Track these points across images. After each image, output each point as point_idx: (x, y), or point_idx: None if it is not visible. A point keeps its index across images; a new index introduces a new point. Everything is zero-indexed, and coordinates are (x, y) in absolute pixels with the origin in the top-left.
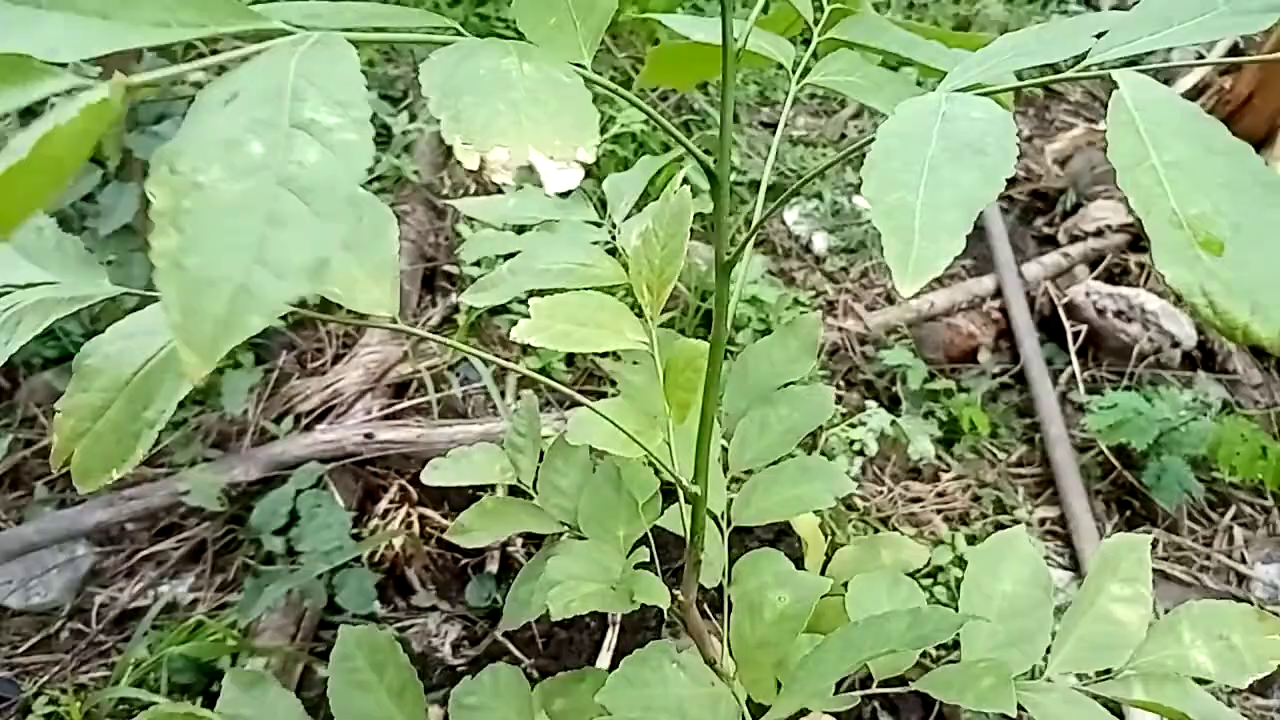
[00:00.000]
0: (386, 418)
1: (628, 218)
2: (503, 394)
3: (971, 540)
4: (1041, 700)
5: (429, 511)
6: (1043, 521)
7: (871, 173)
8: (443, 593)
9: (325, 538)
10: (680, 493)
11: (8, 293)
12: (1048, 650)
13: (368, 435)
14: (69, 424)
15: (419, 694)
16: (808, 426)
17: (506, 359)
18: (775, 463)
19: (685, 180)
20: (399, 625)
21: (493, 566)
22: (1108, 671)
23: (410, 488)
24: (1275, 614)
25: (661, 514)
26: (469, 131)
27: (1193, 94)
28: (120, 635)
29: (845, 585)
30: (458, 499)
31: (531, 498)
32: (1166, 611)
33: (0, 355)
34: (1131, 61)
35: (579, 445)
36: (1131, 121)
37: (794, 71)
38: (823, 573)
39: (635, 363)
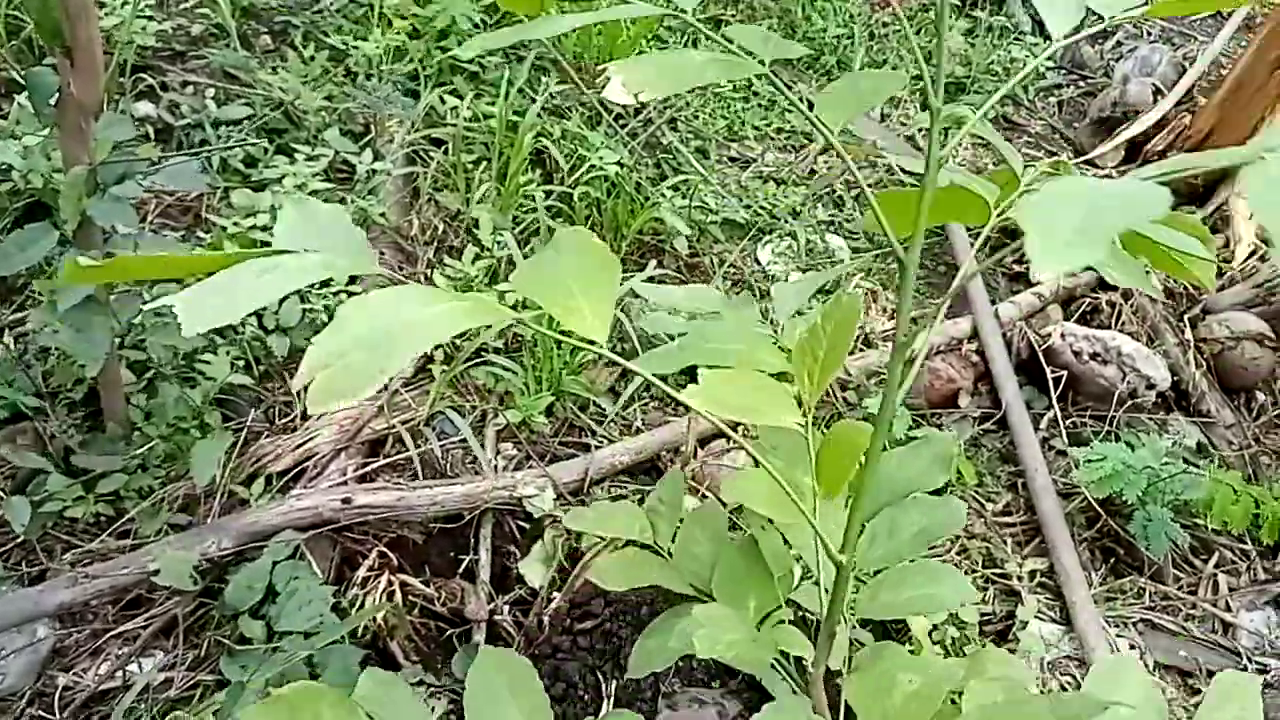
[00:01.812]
0: (363, 478)
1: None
2: (483, 447)
3: None
4: None
5: (410, 579)
6: (1032, 575)
7: (1035, 205)
8: (428, 665)
9: (305, 615)
10: (819, 573)
11: (298, 253)
12: None
13: (345, 500)
14: (316, 356)
15: (549, 714)
16: (938, 535)
17: (485, 410)
18: (904, 563)
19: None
20: None
21: (480, 637)
22: None
23: (390, 553)
24: (1261, 665)
25: (795, 589)
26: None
27: (1152, 131)
28: None
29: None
30: (440, 563)
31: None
32: (1157, 662)
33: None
34: None
35: (718, 516)
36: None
37: (994, 209)
38: None
39: (774, 446)
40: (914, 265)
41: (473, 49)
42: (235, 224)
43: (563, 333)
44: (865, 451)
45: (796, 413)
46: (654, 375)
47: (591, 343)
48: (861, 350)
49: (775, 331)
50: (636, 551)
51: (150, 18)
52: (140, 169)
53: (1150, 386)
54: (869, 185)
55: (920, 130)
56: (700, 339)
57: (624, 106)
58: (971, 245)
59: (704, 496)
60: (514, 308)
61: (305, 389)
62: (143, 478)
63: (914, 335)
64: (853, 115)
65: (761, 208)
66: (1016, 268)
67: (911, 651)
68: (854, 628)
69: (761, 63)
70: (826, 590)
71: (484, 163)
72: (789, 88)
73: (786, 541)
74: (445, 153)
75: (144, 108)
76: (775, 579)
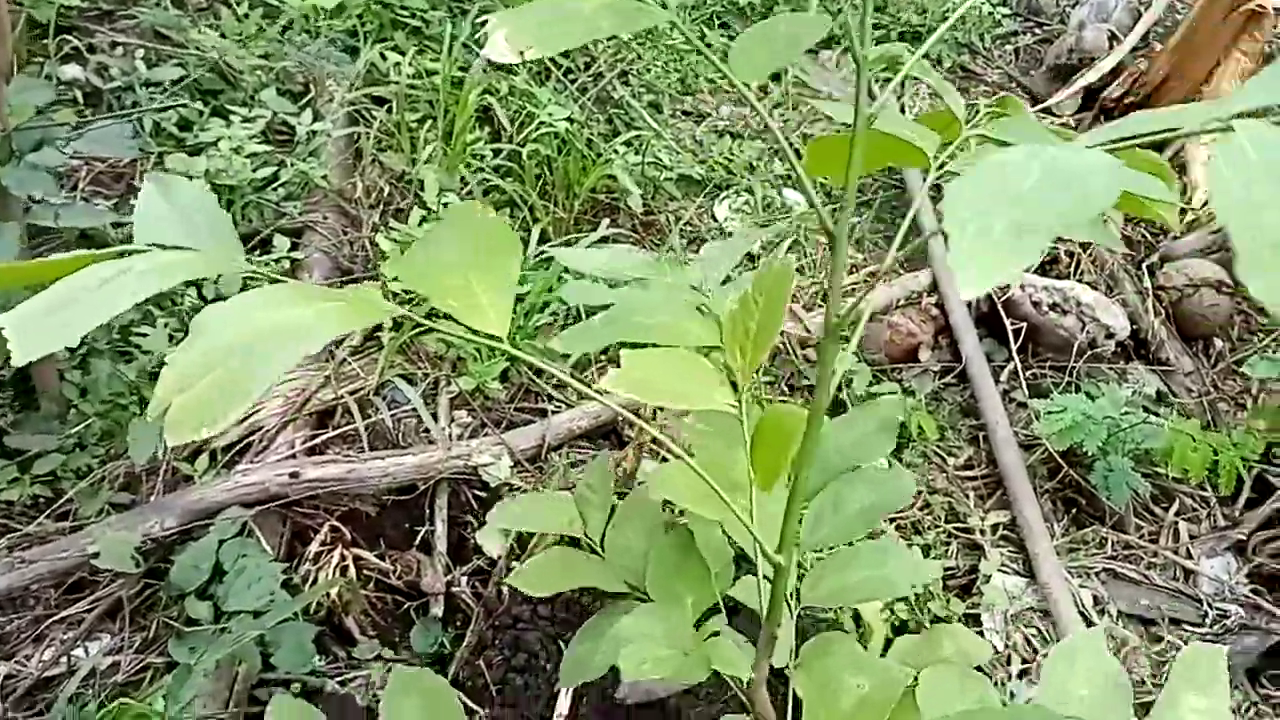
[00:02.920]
0: (311, 451)
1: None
2: (435, 416)
3: (927, 551)
4: None
5: (364, 553)
6: (995, 528)
7: (960, 193)
8: (385, 639)
9: (255, 593)
10: (759, 564)
11: (149, 250)
12: None
13: (293, 474)
14: (173, 376)
15: None
16: (887, 509)
17: (437, 377)
18: (851, 544)
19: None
20: (341, 679)
21: (438, 610)
22: None
23: (342, 527)
24: (1222, 611)
25: (733, 584)
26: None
27: (1109, 77)
28: (31, 710)
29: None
30: (395, 536)
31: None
32: (1120, 612)
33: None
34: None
35: (651, 506)
36: (1246, 157)
37: (934, 159)
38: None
39: (705, 427)
40: (844, 236)
41: None
42: None
43: (461, 325)
44: (803, 436)
45: (729, 393)
46: (580, 350)
47: (495, 339)
48: (821, 306)
49: (706, 298)
50: (563, 551)
51: None
52: (61, 135)
53: (1110, 336)
54: (823, 135)
55: (874, 78)
56: (624, 313)
57: (571, 61)
58: (931, 199)
59: (664, 460)
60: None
61: (163, 416)
62: (80, 457)
63: (847, 315)
64: (773, 68)
65: (717, 163)
66: None
67: (861, 636)
68: (800, 616)
69: (665, 6)
70: (767, 579)
71: (429, 121)
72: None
73: (725, 532)
74: (388, 112)
75: (71, 71)
76: (712, 575)
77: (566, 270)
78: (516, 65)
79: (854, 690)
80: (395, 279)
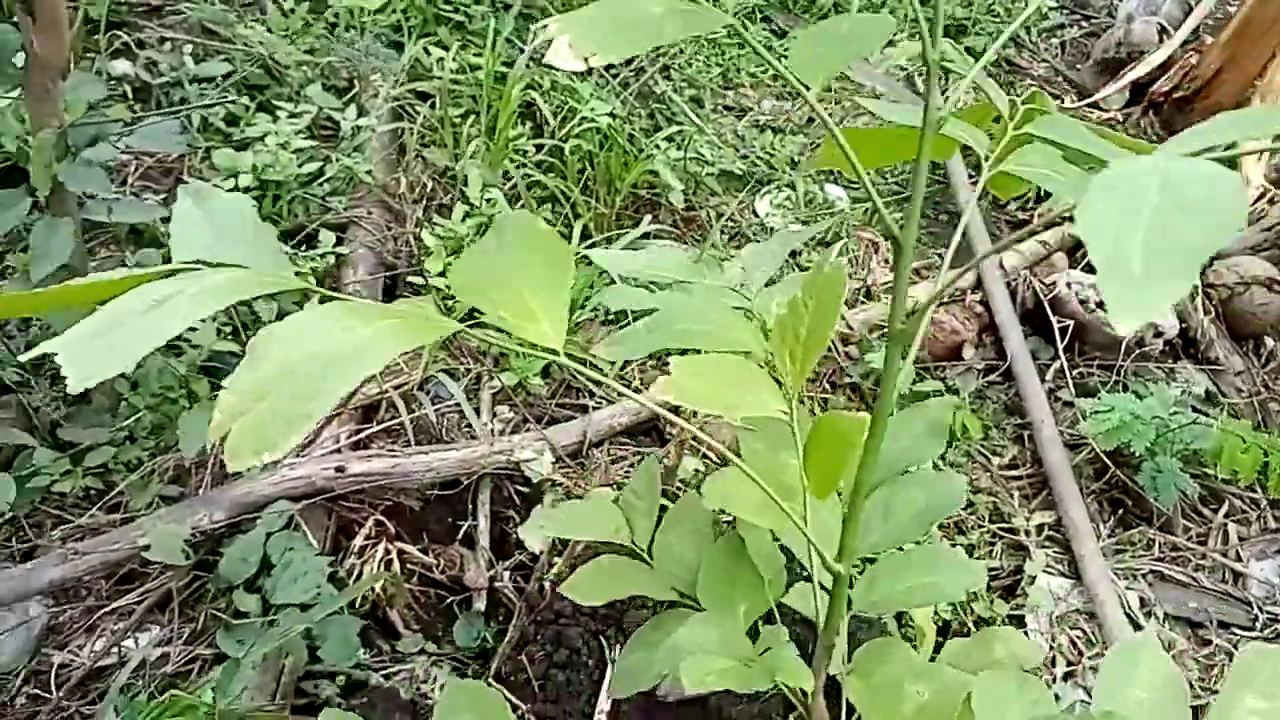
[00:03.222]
0: (356, 445)
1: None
2: (477, 411)
3: (971, 551)
4: None
5: (408, 547)
6: (1040, 529)
7: (1089, 220)
8: (429, 633)
9: (301, 587)
10: (815, 572)
11: (198, 269)
12: None
13: (339, 468)
14: (231, 400)
15: None
16: (939, 515)
17: (480, 372)
18: (902, 549)
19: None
20: (385, 672)
21: (480, 604)
22: None
23: (386, 521)
24: (1272, 615)
25: (786, 591)
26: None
27: (1159, 70)
28: (83, 699)
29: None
30: (438, 530)
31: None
32: (1167, 614)
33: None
34: None
35: (700, 512)
36: None
37: (985, 160)
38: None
39: (755, 430)
40: (910, 246)
41: None
42: (217, 185)
43: (516, 339)
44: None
45: (780, 399)
46: (626, 357)
47: (552, 352)
48: (863, 303)
49: (750, 301)
50: (611, 559)
51: None
52: (114, 130)
53: (1158, 334)
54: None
55: (917, 73)
56: (669, 319)
57: None
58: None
59: (707, 459)
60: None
61: (223, 441)
62: (131, 450)
63: (914, 321)
64: (834, 71)
65: (759, 158)
66: (1020, 215)
67: (912, 643)
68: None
69: (726, 11)
70: (823, 587)
71: (472, 116)
72: (783, 34)
73: (775, 538)
74: (432, 107)
75: (120, 66)
76: (765, 582)
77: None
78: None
79: (913, 697)
80: (440, 274)
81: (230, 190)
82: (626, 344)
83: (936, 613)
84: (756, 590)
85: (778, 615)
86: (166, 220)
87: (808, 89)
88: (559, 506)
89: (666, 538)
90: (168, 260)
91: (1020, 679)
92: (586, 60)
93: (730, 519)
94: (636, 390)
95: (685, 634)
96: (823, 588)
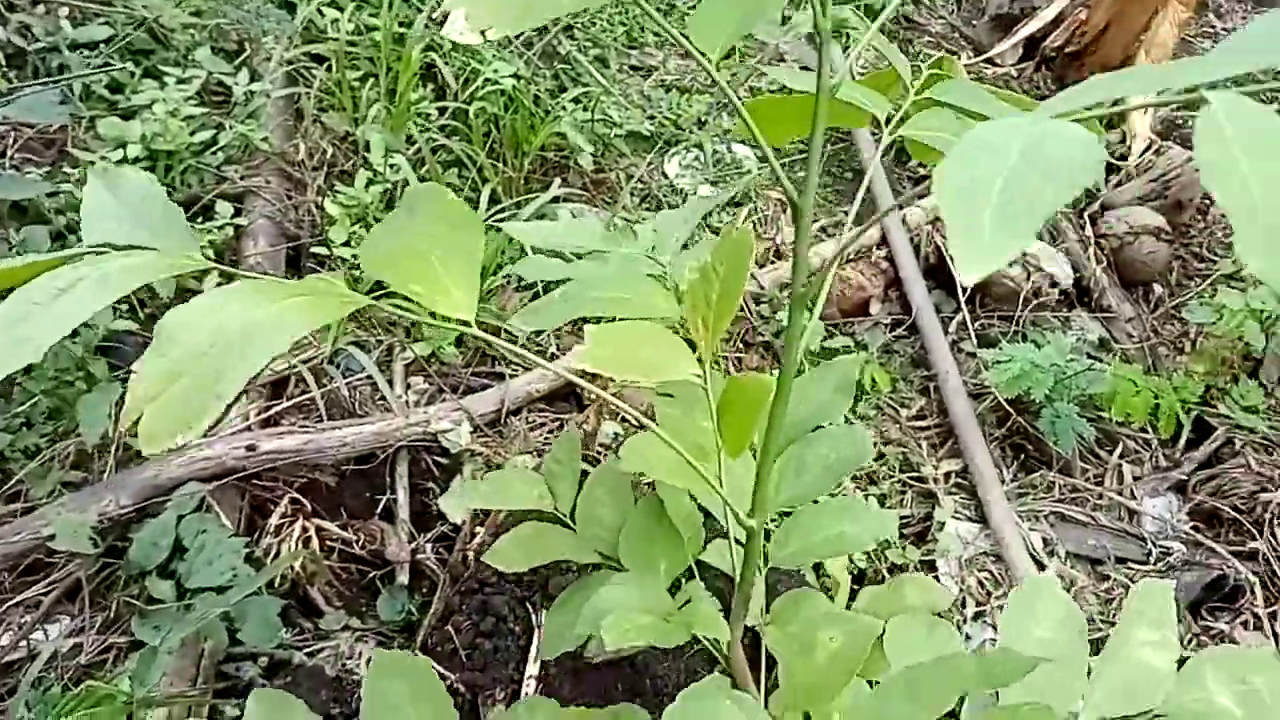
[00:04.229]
0: (266, 422)
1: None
2: (390, 383)
3: (883, 501)
4: None
5: (326, 523)
6: (948, 476)
7: (948, 176)
8: (351, 609)
9: (217, 569)
10: (730, 528)
11: (104, 252)
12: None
13: (250, 447)
14: (142, 386)
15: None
16: (848, 468)
17: (391, 343)
18: (815, 502)
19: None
20: (308, 650)
21: (404, 577)
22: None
23: (302, 499)
24: (1165, 549)
25: (704, 549)
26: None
27: (1051, 25)
28: None
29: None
30: (356, 505)
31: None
32: (1068, 552)
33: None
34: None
35: (620, 477)
36: (1222, 134)
37: (886, 124)
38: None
39: (670, 395)
40: (808, 209)
41: None
42: (104, 157)
43: (428, 313)
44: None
45: (693, 363)
46: (544, 329)
47: (464, 323)
48: (774, 262)
49: (663, 267)
50: (534, 525)
51: None
52: None
53: (1054, 285)
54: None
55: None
56: (584, 288)
57: None
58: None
59: (625, 422)
60: None
61: (134, 426)
62: (28, 436)
63: (817, 282)
64: (734, 37)
65: (666, 119)
66: (922, 170)
67: (829, 593)
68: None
69: None
70: (739, 542)
71: (371, 79)
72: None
73: (693, 498)
74: (328, 70)
75: None
76: (684, 540)
77: None
78: None
79: (826, 644)
80: (345, 244)
81: (119, 161)
82: (542, 314)
83: (852, 561)
84: (676, 549)
85: (697, 572)
86: (52, 195)
87: (708, 58)
88: (480, 477)
89: (588, 502)
90: (54, 237)
91: (930, 623)
92: (483, 34)
93: (650, 482)
94: (553, 358)
95: (606, 593)
96: (738, 542)
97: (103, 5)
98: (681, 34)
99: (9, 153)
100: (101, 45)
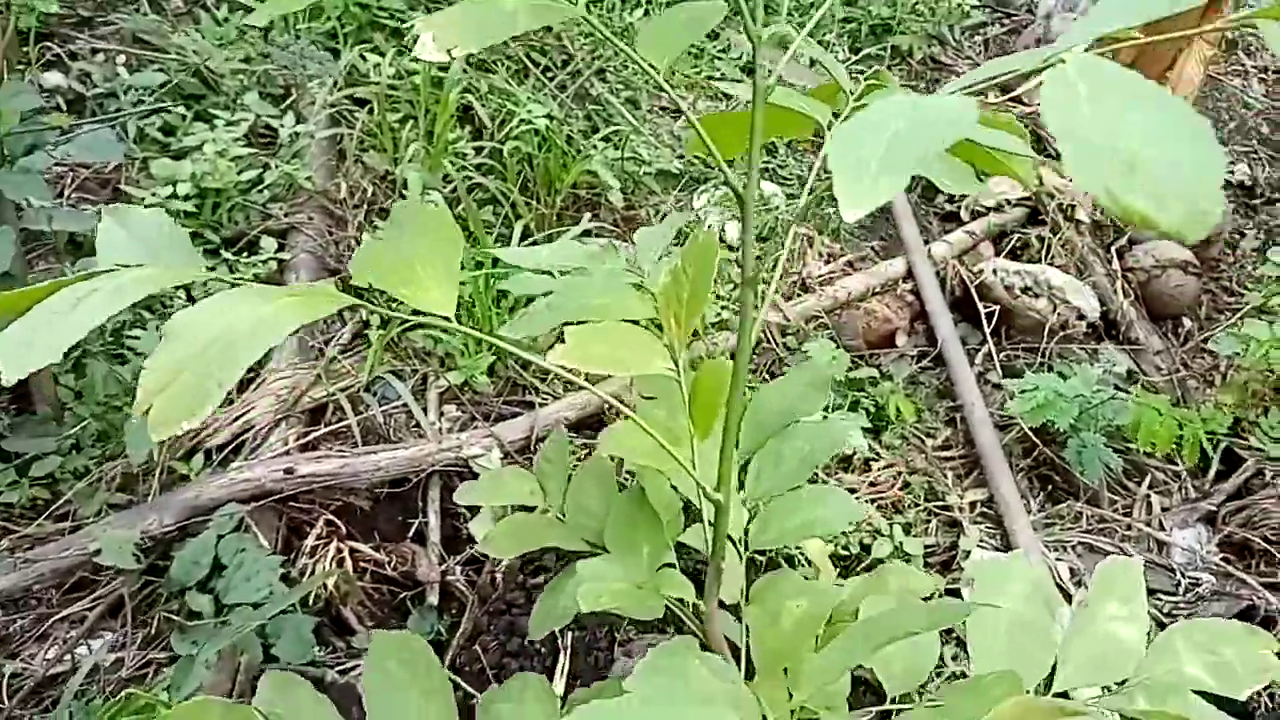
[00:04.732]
0: (304, 447)
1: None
2: (424, 410)
3: (908, 529)
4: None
5: (360, 545)
6: (973, 505)
7: (840, 133)
8: (383, 628)
9: (254, 586)
10: (704, 509)
11: (114, 271)
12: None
13: (288, 470)
14: (152, 379)
15: (449, 697)
16: (822, 457)
17: (426, 373)
18: (793, 490)
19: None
20: (341, 668)
21: (433, 598)
22: (1110, 688)
23: (337, 520)
24: (1194, 579)
25: (684, 530)
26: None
27: None
28: (37, 707)
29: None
30: (389, 528)
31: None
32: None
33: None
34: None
35: (606, 470)
36: (1067, 78)
37: (828, 129)
38: None
39: (652, 397)
40: (751, 200)
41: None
42: (154, 195)
43: (413, 312)
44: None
45: (667, 359)
46: (525, 338)
47: (444, 318)
48: (799, 295)
49: (642, 277)
50: (524, 516)
51: None
52: (50, 140)
53: (1081, 317)
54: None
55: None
56: (567, 297)
57: (549, 59)
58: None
59: None
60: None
61: (145, 415)
62: (77, 458)
63: (761, 270)
64: (676, 52)
65: (695, 157)
66: (948, 207)
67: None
68: (751, 560)
69: (574, 4)
70: (711, 524)
71: (410, 121)
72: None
73: (675, 487)
74: (370, 112)
75: (53, 78)
76: (664, 524)
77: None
78: (494, 63)
79: (792, 611)
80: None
81: (170, 198)
82: (529, 322)
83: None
84: (657, 533)
85: (678, 556)
86: None
87: (656, 70)
88: (480, 478)
89: (576, 495)
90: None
91: (902, 600)
92: (449, 52)
93: (632, 472)
94: (581, 385)
95: (587, 566)
96: (711, 524)
97: (157, 53)
98: (631, 49)
99: (67, 192)
100: (156, 90)
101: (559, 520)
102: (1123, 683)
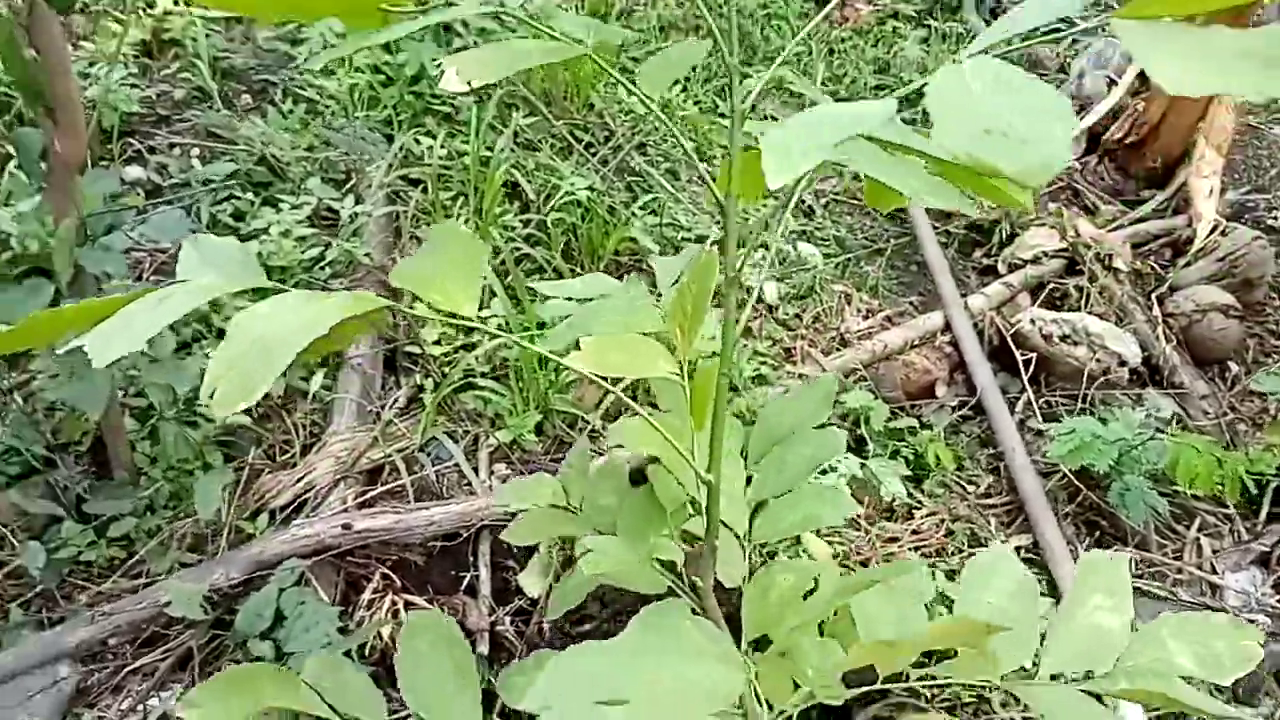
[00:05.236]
0: (362, 505)
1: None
2: (475, 470)
3: (951, 576)
4: (1039, 694)
5: (414, 598)
6: (1017, 551)
7: (780, 129)
8: None
9: (313, 636)
10: (701, 497)
11: (186, 281)
12: (1038, 655)
13: (345, 526)
14: (218, 364)
15: (473, 669)
16: (822, 460)
17: (477, 433)
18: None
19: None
20: (396, 715)
21: (484, 647)
22: (1094, 674)
23: (392, 575)
24: (1251, 621)
25: (687, 520)
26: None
27: (1110, 119)
28: None
29: None
30: (441, 582)
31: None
32: None
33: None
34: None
35: (620, 470)
36: (963, 73)
37: None
38: None
39: (668, 410)
40: (733, 213)
41: (320, 60)
42: None
43: (440, 312)
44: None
45: (672, 363)
46: (550, 351)
47: (463, 316)
48: (839, 350)
49: (658, 300)
50: (544, 510)
51: (135, 85)
52: (128, 219)
53: (1122, 364)
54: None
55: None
56: (589, 316)
57: (592, 135)
58: (941, 245)
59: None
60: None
61: (211, 397)
62: (151, 519)
63: (741, 267)
64: (667, 83)
65: (737, 219)
66: (985, 261)
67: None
68: (757, 551)
69: (582, 43)
70: (709, 511)
71: (461, 198)
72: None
73: (681, 484)
74: (424, 191)
75: (133, 171)
76: (669, 515)
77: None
78: (540, 142)
79: (779, 584)
80: (435, 343)
81: None
82: (553, 339)
83: None
84: (662, 522)
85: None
86: None
87: (651, 100)
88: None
89: (593, 492)
90: (181, 346)
91: (890, 589)
92: (469, 83)
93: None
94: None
95: (590, 539)
96: (708, 511)
97: (228, 144)
98: (633, 83)
99: (145, 275)
100: (226, 179)
101: (575, 514)
102: (1109, 671)
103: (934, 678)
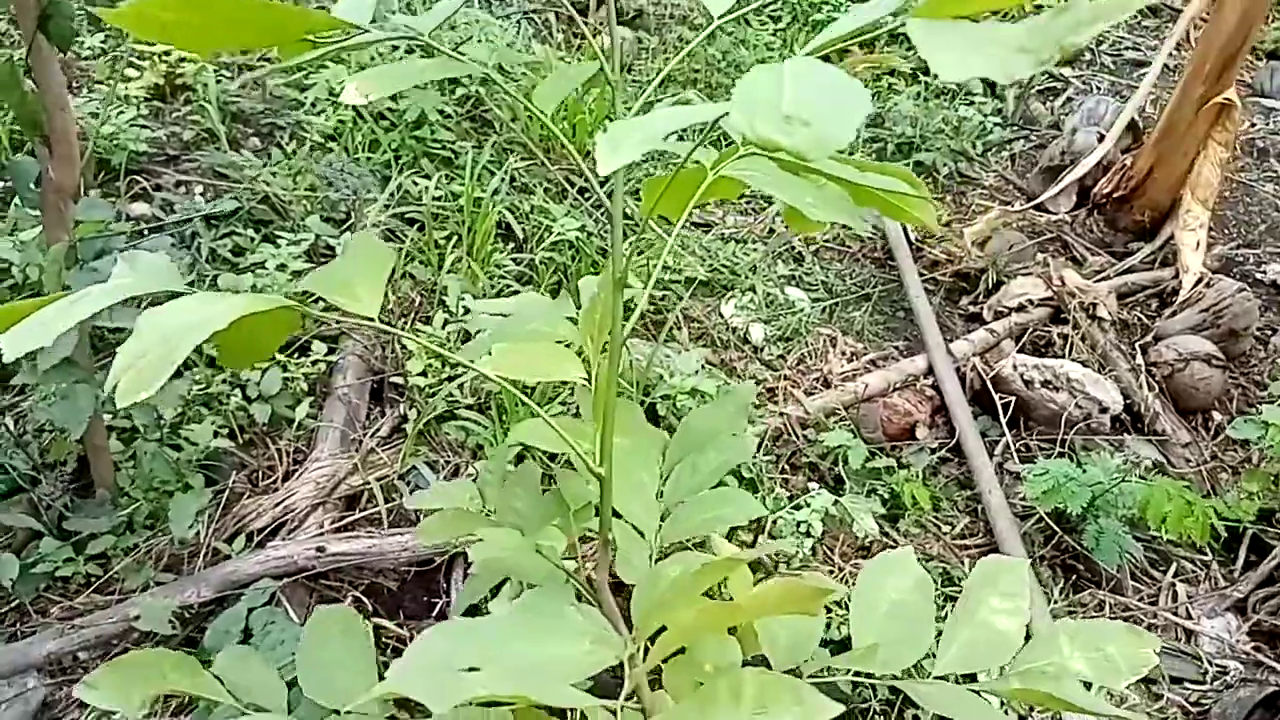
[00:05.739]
0: (338, 530)
1: None
2: None
3: None
4: (929, 692)
5: (385, 622)
6: None
7: (614, 124)
8: (404, 703)
9: (278, 655)
10: (601, 496)
11: (103, 285)
12: (933, 653)
13: (319, 549)
14: (123, 360)
15: (372, 657)
16: (732, 464)
17: (458, 464)
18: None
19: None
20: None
21: None
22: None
23: (365, 599)
24: (1222, 668)
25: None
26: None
27: (1098, 172)
28: None
29: None
30: (414, 607)
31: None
32: None
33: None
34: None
35: (533, 474)
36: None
37: (712, 168)
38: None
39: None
40: (619, 216)
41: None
42: None
43: (344, 313)
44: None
45: (580, 368)
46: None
47: (368, 318)
48: (820, 390)
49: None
50: (456, 511)
51: (145, 126)
52: (118, 245)
53: (1103, 410)
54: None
55: None
56: (508, 327)
57: (584, 180)
58: (928, 292)
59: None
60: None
61: (115, 388)
62: (129, 538)
63: (625, 270)
64: (559, 98)
65: (723, 266)
66: (972, 309)
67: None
68: (662, 553)
69: (482, 65)
70: (616, 514)
71: (455, 238)
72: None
73: (589, 483)
74: (420, 230)
75: (139, 208)
76: (572, 513)
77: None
78: (534, 185)
79: (667, 575)
80: (421, 374)
81: None
82: (472, 349)
83: None
84: (568, 521)
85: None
86: None
87: (544, 113)
88: (431, 486)
89: (505, 496)
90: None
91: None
92: (367, 96)
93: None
94: None
95: (483, 530)
96: (617, 515)
97: (233, 184)
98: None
99: (142, 304)
100: (228, 216)
101: (488, 516)
102: (1001, 669)
103: (829, 669)
